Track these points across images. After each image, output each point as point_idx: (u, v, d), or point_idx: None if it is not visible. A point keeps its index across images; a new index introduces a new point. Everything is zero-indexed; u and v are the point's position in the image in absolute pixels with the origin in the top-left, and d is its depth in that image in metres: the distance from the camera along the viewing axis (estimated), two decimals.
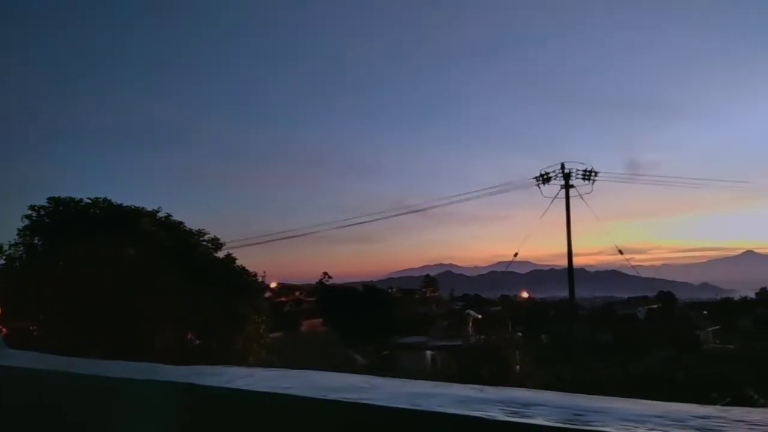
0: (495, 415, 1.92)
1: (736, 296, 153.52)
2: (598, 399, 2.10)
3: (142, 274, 18.07)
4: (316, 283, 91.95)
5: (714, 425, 1.66)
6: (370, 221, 52.85)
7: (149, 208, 20.77)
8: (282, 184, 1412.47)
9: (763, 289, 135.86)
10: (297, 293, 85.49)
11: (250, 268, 23.05)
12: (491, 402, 2.13)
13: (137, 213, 20.35)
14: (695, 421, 1.72)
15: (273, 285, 74.21)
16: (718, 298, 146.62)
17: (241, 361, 19.75)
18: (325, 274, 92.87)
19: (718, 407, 1.87)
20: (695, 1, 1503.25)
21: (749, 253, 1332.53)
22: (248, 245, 31.51)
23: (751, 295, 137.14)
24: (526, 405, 2.04)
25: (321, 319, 60.63)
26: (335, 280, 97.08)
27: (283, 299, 73.92)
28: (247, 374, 3.12)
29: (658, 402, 2.00)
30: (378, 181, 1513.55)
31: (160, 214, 20.81)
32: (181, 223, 21.19)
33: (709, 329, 79.42)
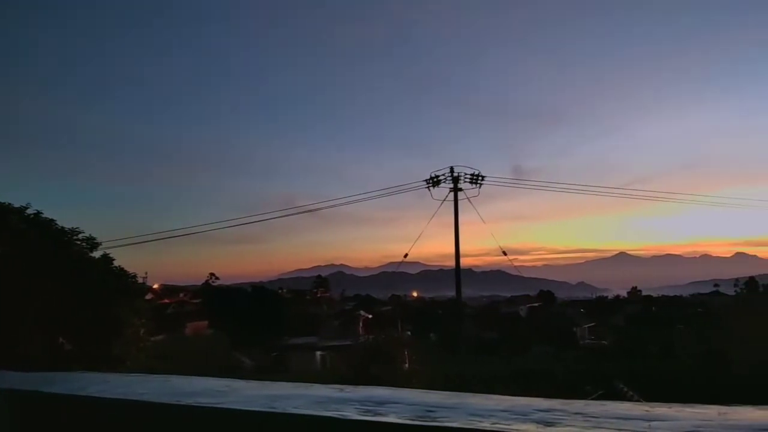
0: (349, 414, 1.92)
1: (610, 295, 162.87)
2: (452, 395, 2.14)
3: (7, 274, 16.90)
4: (202, 284, 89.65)
5: (553, 418, 1.73)
6: (259, 221, 52.05)
7: (16, 205, 19.40)
8: (166, 182, 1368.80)
9: (634, 288, 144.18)
10: (181, 295, 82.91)
11: (131, 269, 22.12)
12: (348, 401, 2.13)
13: (3, 210, 18.95)
14: (537, 414, 1.78)
15: (155, 286, 71.69)
16: (594, 296, 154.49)
17: (118, 366, 18.90)
18: (212, 275, 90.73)
19: (561, 400, 1.94)
20: (580, 12, 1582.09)
21: (622, 255, 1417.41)
22: (128, 245, 30.22)
23: (624, 293, 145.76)
24: (381, 403, 2.06)
25: (207, 322, 59.12)
26: (223, 282, 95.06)
27: (166, 301, 71.46)
28: (102, 380, 2.97)
29: (507, 396, 2.06)
30: (268, 181, 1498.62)
31: (29, 212, 19.48)
32: (52, 221, 19.92)
33: (586, 326, 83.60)
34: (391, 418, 1.84)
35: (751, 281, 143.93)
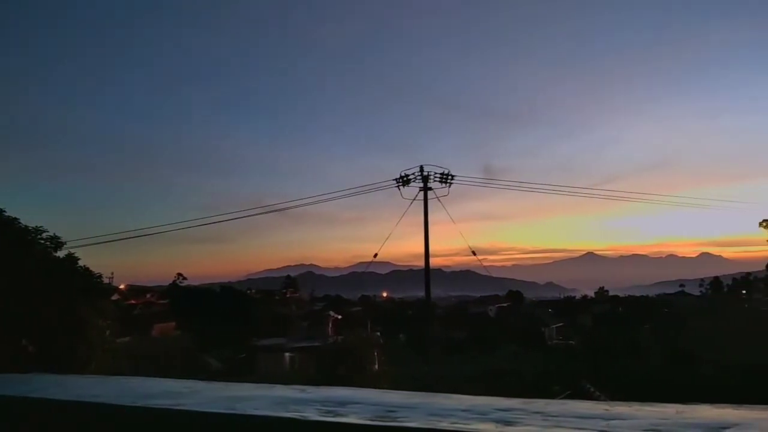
0: (309, 415, 1.90)
1: (578, 295, 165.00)
2: (413, 395, 2.13)
3: None
4: (170, 284, 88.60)
5: (513, 417, 1.73)
6: (228, 220, 51.49)
7: None
8: (133, 180, 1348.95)
9: (601, 288, 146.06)
10: (148, 295, 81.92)
11: (96, 269, 21.77)
12: (309, 402, 2.11)
13: None
14: (496, 413, 1.78)
15: (121, 287, 70.77)
16: (562, 296, 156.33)
17: (83, 368, 18.58)
18: (179, 275, 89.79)
19: (522, 400, 1.94)
20: (551, 14, 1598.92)
21: (590, 255, 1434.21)
22: (94, 244, 29.60)
23: (591, 293, 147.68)
24: (342, 404, 2.04)
25: (174, 323, 58.49)
26: (191, 282, 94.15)
27: (133, 302, 70.55)
28: (58, 382, 2.91)
29: (467, 396, 2.05)
30: (237, 180, 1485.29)
31: None
32: (15, 219, 19.53)
33: (554, 326, 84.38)
34: (352, 419, 1.83)
35: (716, 281, 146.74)
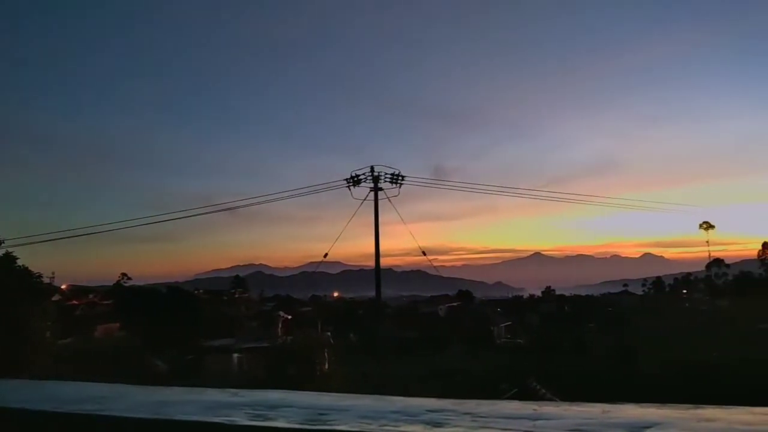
0: (237, 419, 1.86)
1: (526, 294, 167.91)
2: (345, 397, 2.11)
3: None
4: (114, 284, 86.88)
5: (442, 418, 1.72)
6: (175, 219, 50.59)
7: None
8: (74, 177, 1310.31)
9: (548, 287, 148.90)
10: (91, 296, 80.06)
11: (36, 269, 21.23)
12: (239, 406, 2.06)
13: None
14: (427, 415, 1.76)
15: (63, 287, 69.01)
16: (510, 296, 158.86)
17: (23, 370, 18.01)
18: (124, 275, 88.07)
19: (453, 401, 1.94)
20: (500, 14, 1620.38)
21: (537, 255, 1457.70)
22: (33, 243, 28.74)
23: (538, 293, 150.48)
24: (273, 407, 2.00)
25: (118, 324, 57.32)
26: (136, 282, 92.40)
27: (75, 302, 68.88)
28: None
29: (399, 397, 2.04)
30: (183, 178, 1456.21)
31: None
32: None
33: (502, 325, 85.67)
34: (280, 423, 1.80)
35: (658, 281, 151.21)
